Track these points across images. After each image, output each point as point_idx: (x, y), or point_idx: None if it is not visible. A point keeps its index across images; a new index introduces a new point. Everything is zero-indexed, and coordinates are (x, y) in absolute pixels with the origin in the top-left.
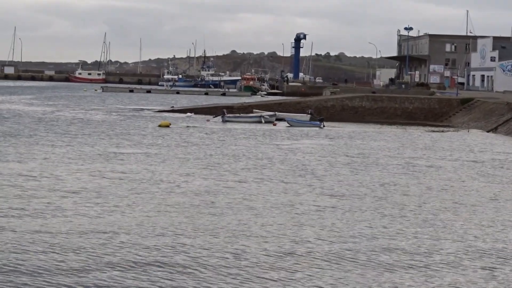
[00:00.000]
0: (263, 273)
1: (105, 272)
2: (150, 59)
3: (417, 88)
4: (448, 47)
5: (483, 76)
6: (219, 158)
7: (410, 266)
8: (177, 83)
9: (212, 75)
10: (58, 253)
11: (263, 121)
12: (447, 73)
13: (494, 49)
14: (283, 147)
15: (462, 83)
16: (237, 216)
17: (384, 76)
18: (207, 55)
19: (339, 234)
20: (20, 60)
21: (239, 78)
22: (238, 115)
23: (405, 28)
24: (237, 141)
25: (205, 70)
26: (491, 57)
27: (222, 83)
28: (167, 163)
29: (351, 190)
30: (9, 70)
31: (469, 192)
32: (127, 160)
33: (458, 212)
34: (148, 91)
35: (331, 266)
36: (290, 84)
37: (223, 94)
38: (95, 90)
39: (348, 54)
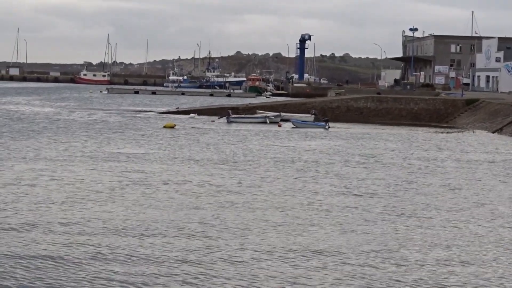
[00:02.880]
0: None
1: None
2: (155, 60)
3: (422, 89)
4: (453, 48)
5: (488, 77)
6: (228, 159)
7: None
8: (182, 84)
9: (217, 76)
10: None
11: (268, 122)
12: (452, 74)
13: (499, 49)
14: (292, 148)
15: (467, 84)
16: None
17: (389, 77)
18: (212, 56)
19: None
20: (25, 61)
21: (244, 79)
22: (243, 115)
23: (410, 29)
24: (247, 141)
25: (210, 71)
26: (496, 57)
27: (227, 84)
28: (175, 164)
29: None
30: (14, 72)
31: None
32: (129, 162)
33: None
34: (154, 92)
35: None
36: (295, 85)
37: (228, 95)
38: (100, 91)
39: (353, 55)
